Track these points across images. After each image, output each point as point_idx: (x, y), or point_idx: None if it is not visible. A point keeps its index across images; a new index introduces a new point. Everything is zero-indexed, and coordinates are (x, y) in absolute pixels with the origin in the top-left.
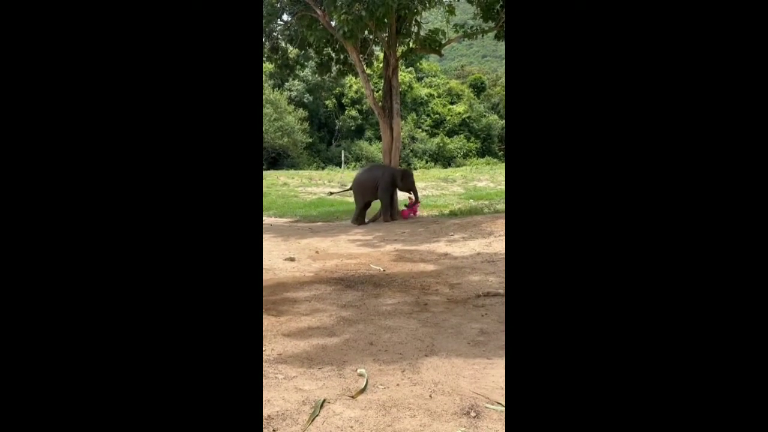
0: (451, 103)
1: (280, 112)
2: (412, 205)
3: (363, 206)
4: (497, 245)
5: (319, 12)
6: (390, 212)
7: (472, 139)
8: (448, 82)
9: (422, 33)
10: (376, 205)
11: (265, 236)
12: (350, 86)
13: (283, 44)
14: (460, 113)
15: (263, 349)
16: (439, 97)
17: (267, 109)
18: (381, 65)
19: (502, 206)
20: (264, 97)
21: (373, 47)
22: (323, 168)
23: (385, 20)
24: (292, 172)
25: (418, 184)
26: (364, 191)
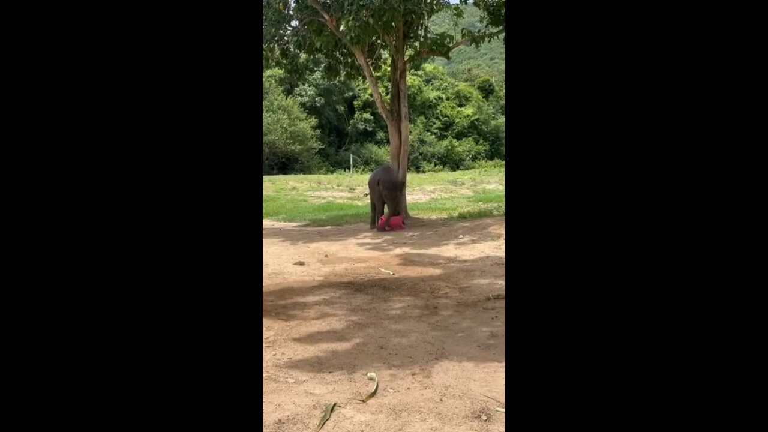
0: (460, 106)
1: (293, 118)
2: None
3: (372, 209)
4: None
5: (326, 17)
6: (378, 218)
7: (481, 141)
8: (456, 85)
9: (430, 37)
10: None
11: (274, 240)
12: (365, 89)
13: (292, 49)
14: (468, 116)
15: (273, 353)
16: (447, 99)
17: (281, 116)
18: (389, 69)
19: None
20: (276, 103)
21: (381, 51)
22: (332, 172)
23: (393, 24)
24: (301, 176)
25: (427, 187)
26: (371, 194)
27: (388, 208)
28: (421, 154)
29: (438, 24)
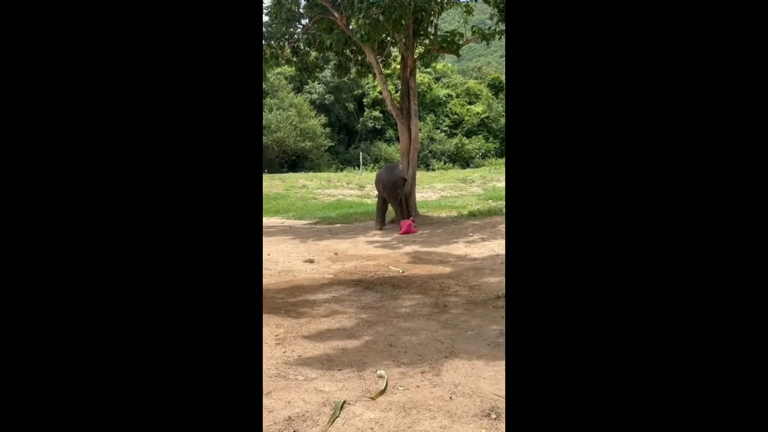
0: (470, 104)
1: (303, 116)
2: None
3: (378, 208)
4: None
5: (336, 15)
6: (384, 219)
7: (491, 139)
8: (466, 83)
9: (440, 34)
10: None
11: (283, 238)
12: (374, 86)
13: (302, 47)
14: (478, 113)
15: (283, 351)
16: (457, 97)
17: (291, 113)
18: (399, 66)
19: None
20: (288, 101)
21: (391, 49)
22: (342, 170)
23: (402, 22)
24: (311, 174)
25: (437, 185)
26: (378, 193)
27: (392, 207)
28: (430, 152)
29: (448, 21)
